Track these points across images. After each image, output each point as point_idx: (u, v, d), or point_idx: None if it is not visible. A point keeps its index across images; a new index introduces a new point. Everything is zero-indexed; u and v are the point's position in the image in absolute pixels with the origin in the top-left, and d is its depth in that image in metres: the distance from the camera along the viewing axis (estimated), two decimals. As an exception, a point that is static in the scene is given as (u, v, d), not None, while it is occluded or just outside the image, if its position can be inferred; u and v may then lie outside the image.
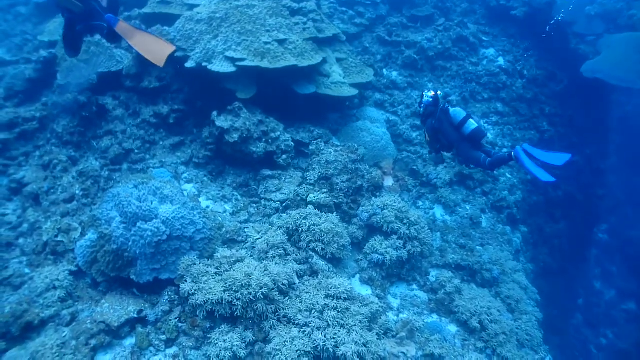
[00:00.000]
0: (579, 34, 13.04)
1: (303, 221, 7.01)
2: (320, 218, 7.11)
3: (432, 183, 9.85)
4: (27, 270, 6.61)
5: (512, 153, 6.84)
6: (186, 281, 5.85)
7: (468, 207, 9.72)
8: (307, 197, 7.87)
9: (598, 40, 12.61)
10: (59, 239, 6.83)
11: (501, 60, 13.30)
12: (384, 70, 12.34)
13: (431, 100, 7.98)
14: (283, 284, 5.91)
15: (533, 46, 13.61)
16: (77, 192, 7.77)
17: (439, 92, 8.14)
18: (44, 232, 6.96)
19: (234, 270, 5.88)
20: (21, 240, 7.10)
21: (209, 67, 8.42)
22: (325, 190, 7.95)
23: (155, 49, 7.02)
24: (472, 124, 7.34)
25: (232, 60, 8.47)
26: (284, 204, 8.01)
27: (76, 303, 6.17)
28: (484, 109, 12.33)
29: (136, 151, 8.67)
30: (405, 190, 9.74)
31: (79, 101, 8.58)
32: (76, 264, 6.47)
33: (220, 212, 7.84)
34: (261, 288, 5.58)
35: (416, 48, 12.83)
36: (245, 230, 7.35)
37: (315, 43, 9.70)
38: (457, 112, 7.44)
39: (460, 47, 13.26)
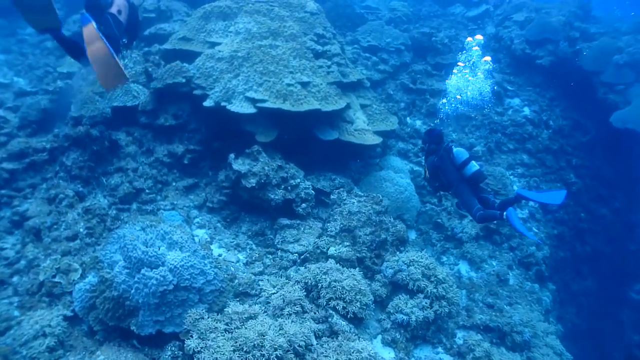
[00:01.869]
0: (606, 83, 12.73)
1: (323, 276, 6.46)
2: (342, 274, 6.57)
3: (457, 237, 9.38)
4: (16, 313, 6.15)
5: (505, 214, 6.46)
6: (192, 337, 5.30)
7: (494, 263, 9.24)
8: (327, 250, 7.39)
9: (628, 89, 12.32)
10: (56, 279, 6.37)
11: (527, 110, 12.96)
12: (408, 118, 12.01)
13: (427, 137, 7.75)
14: (299, 346, 5.30)
15: (558, 95, 13.30)
16: (81, 230, 7.32)
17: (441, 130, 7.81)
18: (41, 270, 6.50)
19: (245, 328, 5.33)
20: (15, 279, 6.69)
21: (228, 107, 8.10)
22: (347, 244, 7.46)
23: (110, 72, 6.22)
24: (474, 166, 7.06)
25: (253, 100, 8.15)
26: (302, 257, 7.50)
27: (67, 353, 5.64)
28: (510, 161, 11.95)
29: (147, 191, 8.29)
30: (429, 245, 9.32)
31: (91, 135, 8.25)
32: (72, 308, 6.01)
33: (233, 262, 7.34)
34: (275, 350, 4.99)
35: (441, 96, 12.48)
36: (260, 283, 6.82)
37: (339, 87, 9.40)
38: (460, 152, 7.16)
39: (482, 103, 12.90)
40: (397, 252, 7.72)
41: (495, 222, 7.58)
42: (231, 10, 10.01)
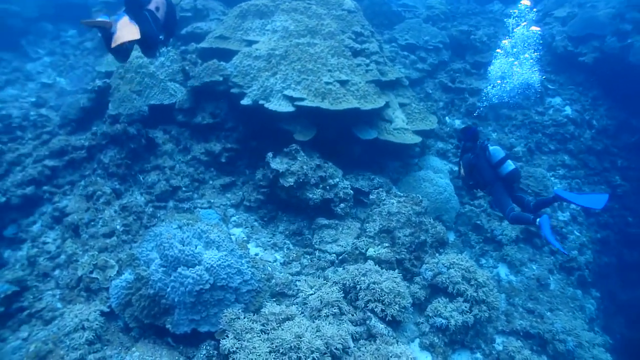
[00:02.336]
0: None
1: (362, 278, 6.28)
2: (381, 275, 6.37)
3: (497, 239, 9.08)
4: (59, 305, 6.33)
5: (538, 221, 6.25)
6: (227, 337, 5.21)
7: (535, 267, 8.94)
8: (366, 250, 7.21)
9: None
10: (94, 275, 6.43)
11: (568, 110, 12.55)
12: (447, 117, 11.74)
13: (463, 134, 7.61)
14: (337, 348, 5.16)
15: (603, 94, 12.82)
16: (118, 227, 7.34)
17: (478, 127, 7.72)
18: (79, 266, 6.58)
19: (282, 329, 5.23)
20: (57, 272, 6.82)
21: (266, 105, 7.99)
22: (386, 245, 7.26)
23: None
24: (510, 165, 6.90)
25: (291, 99, 8.02)
26: (340, 257, 7.34)
27: (105, 347, 5.68)
28: (550, 162, 11.57)
29: (184, 189, 8.25)
30: (468, 247, 9.05)
31: (128, 133, 8.25)
32: (109, 304, 6.05)
33: (270, 262, 7.22)
34: (312, 352, 4.87)
35: (480, 95, 12.17)
36: (297, 283, 6.69)
37: (378, 86, 9.21)
38: (496, 151, 7.01)
39: (526, 95, 12.52)
40: (437, 254, 7.50)
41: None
42: (268, 8, 9.93)
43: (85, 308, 5.98)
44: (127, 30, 5.58)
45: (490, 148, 7.01)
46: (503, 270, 8.71)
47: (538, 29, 7.63)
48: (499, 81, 10.38)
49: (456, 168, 10.13)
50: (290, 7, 9.88)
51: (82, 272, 6.45)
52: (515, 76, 10.55)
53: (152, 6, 6.31)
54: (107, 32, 5.52)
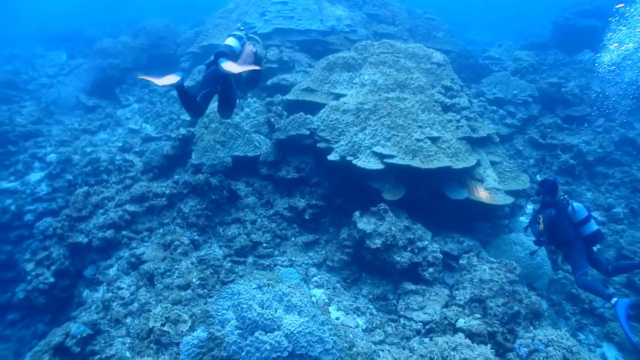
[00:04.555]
0: None
1: (452, 353, 5.69)
2: (473, 351, 5.76)
3: (597, 313, 8.18)
4: (127, 354, 6.20)
5: (614, 301, 5.99)
6: (305, 412, 4.79)
7: (654, 354, 7.91)
8: (456, 321, 6.62)
9: None
10: (165, 328, 6.17)
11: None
12: (537, 176, 11.06)
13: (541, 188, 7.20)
14: None
15: None
16: (194, 280, 7.09)
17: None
18: (151, 317, 6.36)
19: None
20: (129, 320, 6.70)
21: (354, 161, 7.69)
22: (478, 316, 6.66)
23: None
24: (594, 225, 6.62)
25: (380, 156, 7.68)
26: (427, 327, 6.80)
27: (171, 407, 5.42)
28: (658, 225, 10.47)
29: (264, 245, 7.98)
30: (562, 318, 8.21)
31: (210, 183, 8.15)
32: None
33: (351, 327, 6.76)
34: None
35: (573, 152, 11.48)
36: (380, 354, 6.18)
37: (469, 143, 8.74)
38: (580, 209, 6.70)
39: (625, 150, 11.75)
40: (531, 328, 6.78)
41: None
42: (355, 61, 9.77)
43: (154, 362, 5.75)
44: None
45: (574, 205, 6.68)
46: (611, 353, 7.76)
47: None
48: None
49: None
50: (379, 60, 9.68)
51: (153, 324, 6.24)
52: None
53: (239, 62, 6.57)
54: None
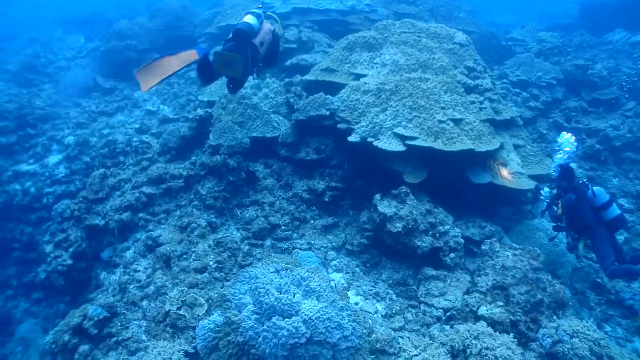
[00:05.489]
0: None
1: (473, 341, 5.56)
2: (495, 340, 5.61)
3: (626, 304, 7.86)
4: (144, 337, 6.18)
5: None
6: (321, 398, 4.69)
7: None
8: (477, 309, 6.45)
9: None
10: (181, 312, 6.12)
11: None
12: (569, 161, 10.73)
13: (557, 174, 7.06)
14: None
15: None
16: (211, 263, 7.00)
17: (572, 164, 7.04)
18: (167, 300, 6.31)
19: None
20: (145, 303, 6.66)
21: (375, 143, 7.52)
22: (500, 303, 6.48)
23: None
24: (616, 209, 6.38)
25: (402, 137, 7.50)
26: (448, 314, 6.63)
27: (187, 391, 5.39)
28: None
29: (283, 227, 7.86)
30: (586, 307, 7.94)
31: (228, 165, 8.03)
32: (194, 345, 5.71)
33: (370, 313, 6.62)
34: None
35: (599, 137, 11.17)
36: (400, 340, 6.06)
37: (492, 126, 8.49)
38: (601, 193, 6.45)
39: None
40: (555, 317, 6.57)
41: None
42: (376, 40, 9.54)
43: (170, 346, 5.72)
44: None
45: (595, 189, 6.43)
46: (643, 345, 7.51)
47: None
48: None
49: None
50: (400, 39, 9.45)
51: (169, 307, 6.19)
52: None
53: (257, 39, 6.59)
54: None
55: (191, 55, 6.36)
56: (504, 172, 8.27)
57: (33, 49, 17.45)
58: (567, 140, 7.10)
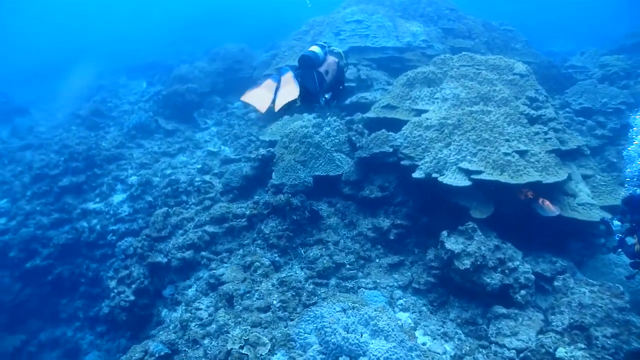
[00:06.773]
0: None
1: (554, 386, 5.31)
2: (582, 385, 5.34)
3: None
4: None
5: None
6: None
7: None
8: (555, 350, 6.10)
9: None
10: (244, 351, 6.02)
11: None
12: (638, 189, 10.27)
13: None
14: None
15: None
16: (274, 302, 6.94)
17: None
18: (230, 339, 6.25)
19: None
20: (206, 341, 6.61)
21: (440, 178, 7.43)
22: (581, 346, 6.12)
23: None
24: None
25: (467, 172, 7.39)
26: (522, 355, 6.31)
27: None
28: None
29: (348, 266, 7.78)
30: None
31: (292, 204, 8.07)
32: None
33: (439, 354, 6.41)
34: None
35: (674, 166, 10.61)
36: (471, 383, 5.84)
37: (558, 156, 8.28)
38: None
39: None
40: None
41: None
42: (435, 75, 9.54)
43: (255, 387, 5.63)
44: (286, 91, 6.00)
45: None
46: None
47: None
48: None
49: None
50: (459, 73, 9.41)
51: (231, 346, 6.12)
52: None
53: (322, 68, 6.64)
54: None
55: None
56: (547, 202, 7.95)
57: (101, 95, 18.43)
58: None
